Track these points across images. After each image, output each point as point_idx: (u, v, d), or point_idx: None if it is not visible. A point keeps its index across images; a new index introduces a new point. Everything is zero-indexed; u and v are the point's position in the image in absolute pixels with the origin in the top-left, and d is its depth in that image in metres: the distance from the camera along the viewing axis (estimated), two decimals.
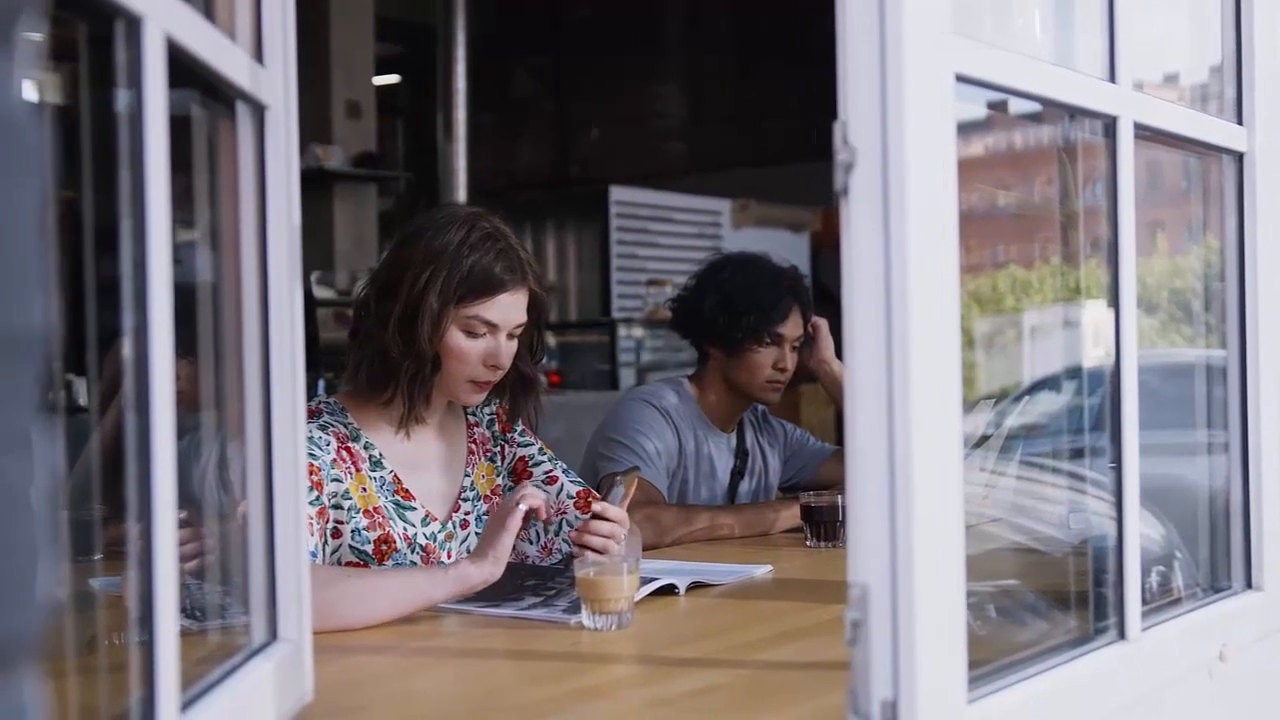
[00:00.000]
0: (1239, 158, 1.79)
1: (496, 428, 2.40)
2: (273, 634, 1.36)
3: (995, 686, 1.29)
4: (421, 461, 2.29)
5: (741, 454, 3.13)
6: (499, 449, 2.40)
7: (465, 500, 2.33)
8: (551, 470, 2.38)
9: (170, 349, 1.00)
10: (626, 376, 7.25)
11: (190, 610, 1.29)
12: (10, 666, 0.53)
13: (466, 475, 2.34)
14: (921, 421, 1.15)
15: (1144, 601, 1.53)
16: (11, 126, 0.56)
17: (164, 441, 1.00)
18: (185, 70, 1.10)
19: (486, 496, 2.36)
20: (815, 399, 6.20)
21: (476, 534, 2.31)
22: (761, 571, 2.35)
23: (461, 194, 9.29)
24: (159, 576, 1.00)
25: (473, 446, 2.37)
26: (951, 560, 1.20)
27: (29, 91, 0.58)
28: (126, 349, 0.99)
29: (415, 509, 2.24)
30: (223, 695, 1.17)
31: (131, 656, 1.03)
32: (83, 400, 2.50)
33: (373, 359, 2.20)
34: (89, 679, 1.14)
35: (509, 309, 2.20)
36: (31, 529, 0.54)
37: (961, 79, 1.23)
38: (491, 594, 2.01)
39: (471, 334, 2.19)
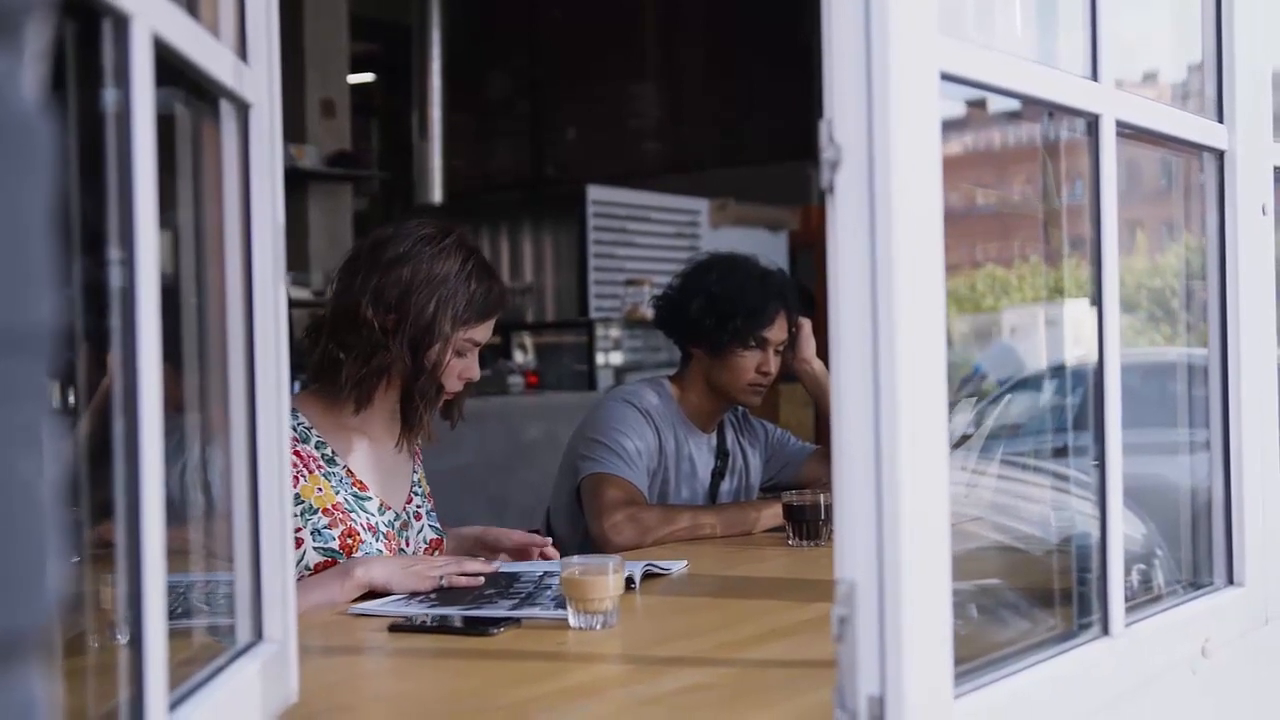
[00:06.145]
0: (1219, 155, 1.80)
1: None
2: (258, 634, 1.35)
3: (981, 682, 1.30)
4: (375, 456, 2.35)
5: (722, 454, 3.13)
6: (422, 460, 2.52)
7: (416, 494, 2.43)
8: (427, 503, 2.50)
9: (158, 350, 1.00)
10: (604, 377, 7.24)
11: (172, 609, 1.28)
12: (20, 660, 0.54)
13: (415, 471, 2.45)
14: (908, 418, 1.15)
15: (1126, 599, 1.53)
16: (21, 126, 0.56)
17: (151, 442, 0.99)
18: (168, 68, 1.10)
19: (429, 495, 2.47)
20: (793, 398, 6.21)
21: (430, 526, 2.42)
22: (678, 568, 2.35)
23: (437, 194, 9.28)
24: (147, 579, 0.99)
25: (417, 449, 2.47)
26: (938, 556, 1.20)
27: (37, 90, 0.58)
28: (114, 351, 0.98)
29: (371, 498, 2.30)
30: (209, 696, 1.17)
31: (116, 657, 1.02)
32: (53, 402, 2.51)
33: (378, 373, 2.24)
34: (71, 680, 1.13)
35: (491, 329, 2.33)
36: (43, 524, 0.54)
37: (947, 77, 1.23)
38: (470, 600, 2.02)
39: (460, 354, 2.28)
